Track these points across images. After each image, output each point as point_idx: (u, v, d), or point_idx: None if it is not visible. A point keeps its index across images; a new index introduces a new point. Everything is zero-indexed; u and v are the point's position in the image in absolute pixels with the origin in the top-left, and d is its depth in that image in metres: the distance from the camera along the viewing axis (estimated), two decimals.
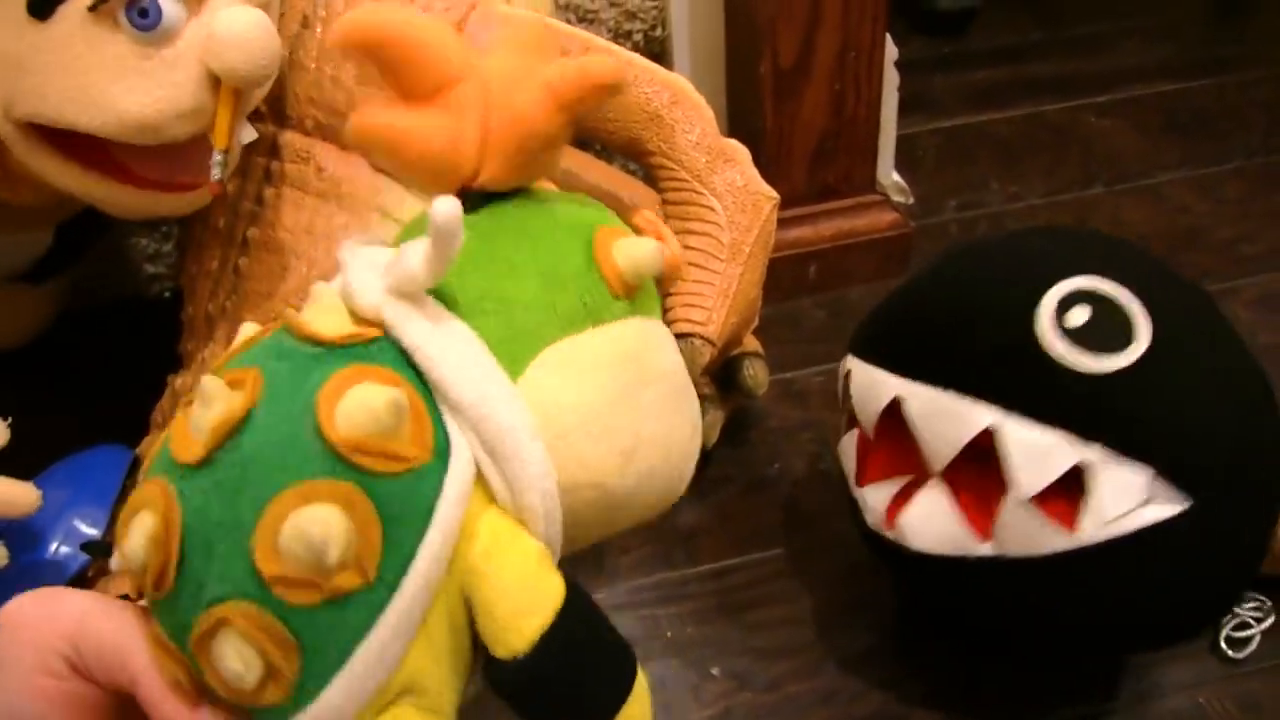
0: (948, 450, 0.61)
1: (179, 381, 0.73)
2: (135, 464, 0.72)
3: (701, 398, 0.80)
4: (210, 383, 0.38)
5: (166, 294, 1.04)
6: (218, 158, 0.64)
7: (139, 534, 0.38)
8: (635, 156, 0.73)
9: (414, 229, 0.48)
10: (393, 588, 0.38)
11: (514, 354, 0.43)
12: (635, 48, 0.96)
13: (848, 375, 0.68)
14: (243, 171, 0.73)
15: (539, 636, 0.40)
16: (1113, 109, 1.24)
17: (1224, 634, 0.70)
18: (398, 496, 0.38)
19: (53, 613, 0.40)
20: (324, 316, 0.42)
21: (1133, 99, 1.26)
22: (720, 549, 0.78)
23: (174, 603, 0.38)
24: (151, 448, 0.73)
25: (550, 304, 0.44)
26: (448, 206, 0.39)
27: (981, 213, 1.09)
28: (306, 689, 0.38)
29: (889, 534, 0.65)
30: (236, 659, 0.37)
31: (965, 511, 0.61)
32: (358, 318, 0.42)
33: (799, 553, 0.78)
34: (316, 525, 0.36)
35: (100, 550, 0.64)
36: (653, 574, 0.77)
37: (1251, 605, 0.71)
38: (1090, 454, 0.57)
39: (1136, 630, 0.62)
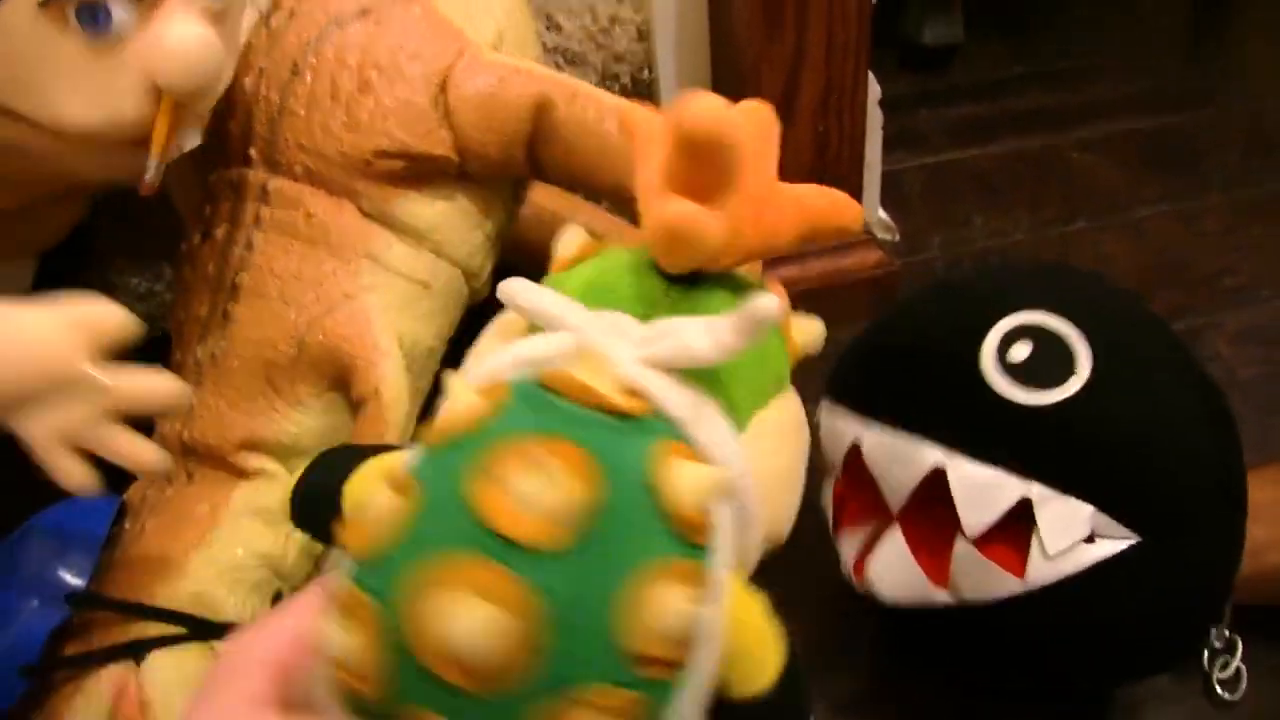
0: (902, 492, 0.61)
1: (166, 428, 0.73)
2: (122, 510, 0.72)
3: None
4: (554, 462, 0.36)
5: (157, 335, 1.04)
6: (152, 162, 0.64)
7: (479, 625, 0.34)
8: (622, 201, 0.74)
9: (592, 276, 0.49)
10: None
11: (735, 424, 0.44)
12: (622, 90, 0.97)
13: (818, 419, 0.68)
14: (232, 218, 0.74)
15: (779, 671, 0.42)
16: (1093, 143, 1.26)
17: (1215, 676, 0.70)
18: (711, 568, 0.39)
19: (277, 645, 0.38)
20: (598, 384, 0.41)
21: (1113, 133, 1.27)
22: None
23: (514, 698, 0.35)
24: (140, 496, 0.73)
25: (756, 374, 0.46)
26: (773, 303, 0.40)
27: (966, 249, 1.10)
28: None
29: (858, 583, 0.65)
30: None
31: (923, 559, 0.61)
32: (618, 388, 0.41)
33: (787, 596, 0.77)
34: (683, 603, 0.36)
35: (85, 601, 0.64)
36: None
37: (1238, 652, 0.71)
38: (1032, 490, 0.57)
39: (1103, 667, 0.62)
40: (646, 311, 0.47)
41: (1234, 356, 0.95)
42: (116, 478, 0.74)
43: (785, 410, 0.47)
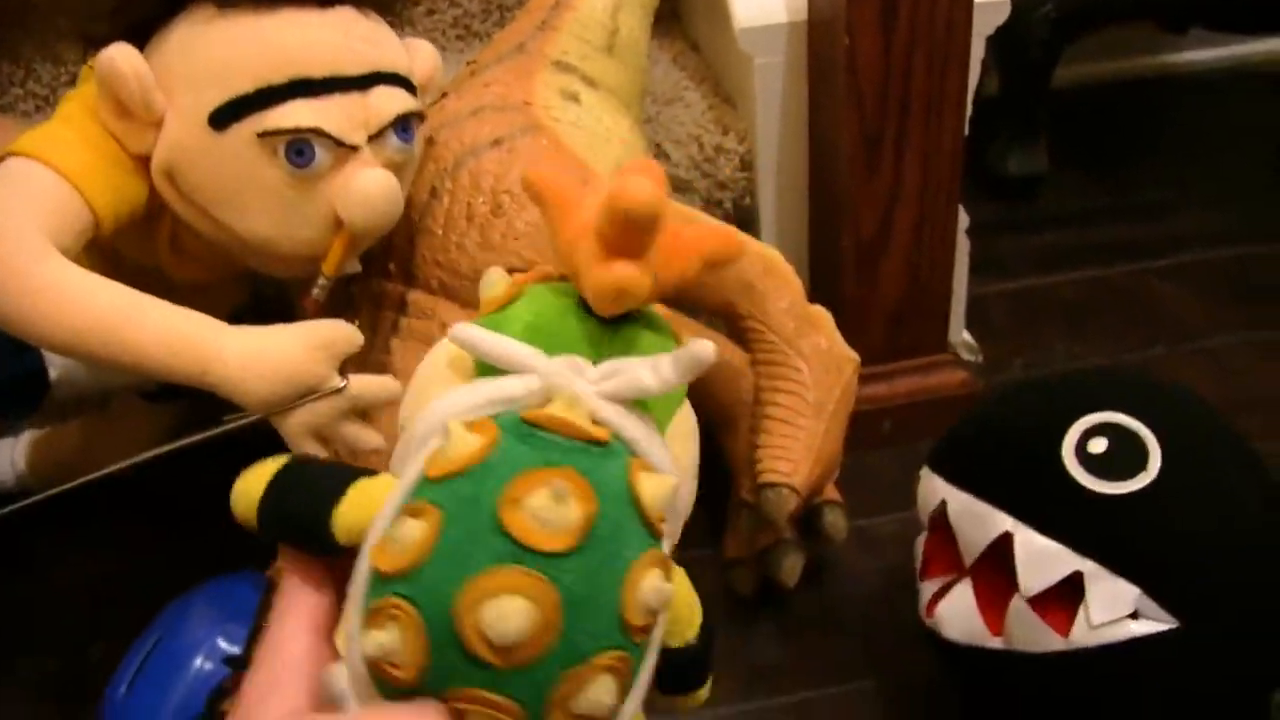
0: (975, 547, 0.71)
1: None
2: (269, 585, 0.79)
3: (784, 541, 0.86)
4: (562, 485, 0.46)
5: None
6: (322, 281, 0.74)
7: (519, 618, 0.44)
8: (728, 319, 0.80)
9: (532, 320, 0.53)
10: None
11: (660, 432, 0.53)
12: (725, 215, 1.03)
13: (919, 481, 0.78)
14: (373, 325, 0.81)
15: (701, 626, 0.52)
16: (1176, 273, 1.29)
17: None
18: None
19: None
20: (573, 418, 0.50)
21: (1195, 263, 1.31)
22: (798, 683, 0.84)
23: (539, 667, 0.45)
24: (280, 570, 0.80)
25: (672, 391, 0.53)
26: (709, 349, 0.49)
27: (1047, 371, 1.14)
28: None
29: (928, 622, 0.74)
30: (607, 695, 0.45)
31: (983, 609, 0.70)
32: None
33: (873, 687, 0.83)
34: (662, 583, 0.46)
35: (241, 664, 0.70)
36: (734, 704, 0.82)
37: None
38: (1086, 566, 0.65)
39: None
40: (594, 353, 0.53)
41: None
42: (257, 554, 0.81)
43: (687, 419, 0.55)
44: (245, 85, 0.70)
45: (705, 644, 0.53)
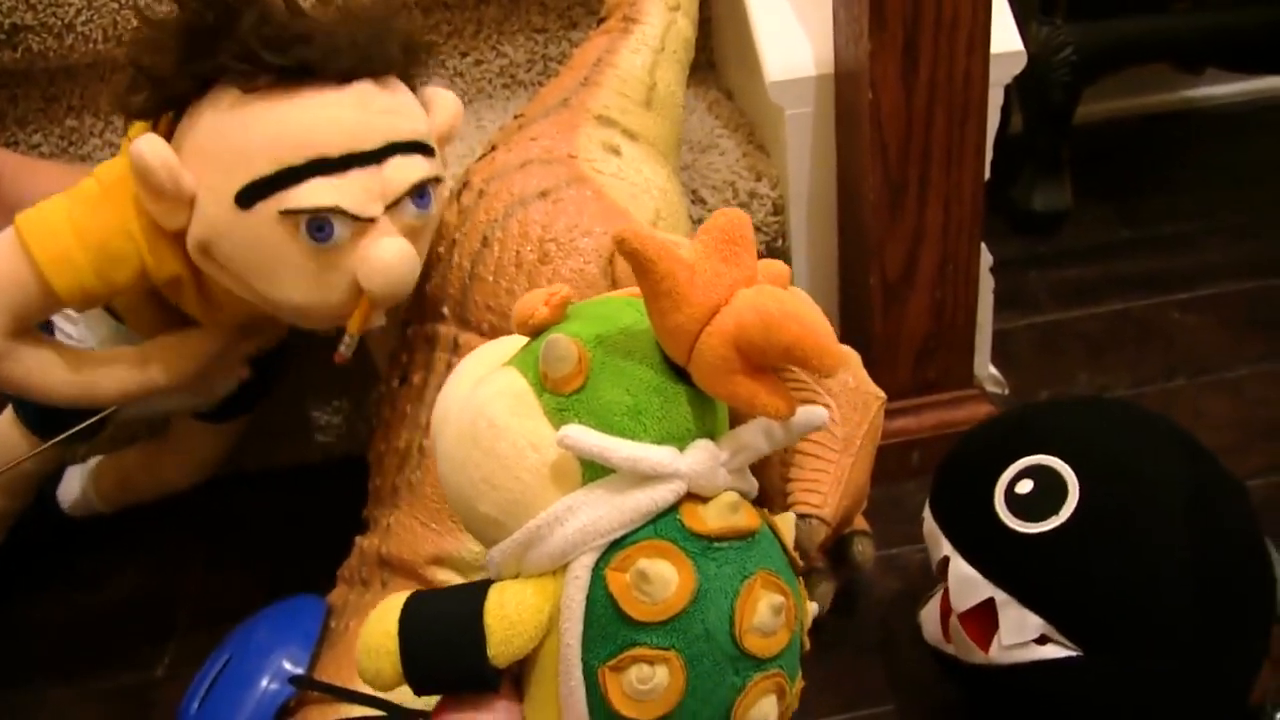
0: (933, 565, 0.80)
1: (366, 543, 0.85)
2: (328, 611, 0.84)
3: (815, 570, 0.91)
4: (775, 599, 0.56)
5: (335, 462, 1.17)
6: (347, 339, 0.80)
7: (774, 712, 0.57)
8: None
9: (629, 401, 0.57)
10: None
11: None
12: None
13: None
14: (427, 365, 0.86)
15: None
16: (1196, 305, 1.32)
17: None
18: None
19: None
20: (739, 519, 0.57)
21: (1216, 296, 1.33)
22: (831, 707, 0.87)
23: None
24: (342, 599, 0.85)
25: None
26: (823, 415, 0.59)
27: None
28: None
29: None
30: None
31: (943, 617, 0.79)
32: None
33: (902, 710, 0.87)
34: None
35: (305, 684, 0.76)
36: None
37: None
38: (999, 595, 0.74)
39: None
40: (699, 425, 0.58)
41: None
42: (323, 584, 0.87)
43: None
44: (266, 167, 0.74)
45: None
